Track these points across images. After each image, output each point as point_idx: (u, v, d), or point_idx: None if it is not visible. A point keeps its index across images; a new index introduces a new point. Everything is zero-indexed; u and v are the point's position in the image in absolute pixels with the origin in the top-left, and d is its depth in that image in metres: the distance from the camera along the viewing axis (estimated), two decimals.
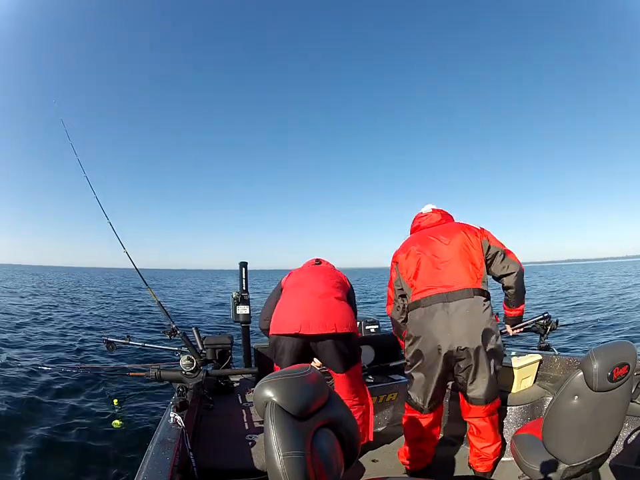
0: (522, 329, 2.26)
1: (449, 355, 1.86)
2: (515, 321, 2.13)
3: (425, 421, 2.00)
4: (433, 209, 2.19)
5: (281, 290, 2.27)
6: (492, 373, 1.90)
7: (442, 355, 1.86)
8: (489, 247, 1.97)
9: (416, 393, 2.00)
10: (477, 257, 1.94)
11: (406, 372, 2.09)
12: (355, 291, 2.37)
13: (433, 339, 1.87)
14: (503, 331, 2.16)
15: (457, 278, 1.90)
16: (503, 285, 2.01)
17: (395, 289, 2.10)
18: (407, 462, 2.10)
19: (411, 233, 2.24)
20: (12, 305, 13.31)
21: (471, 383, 1.92)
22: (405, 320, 2.07)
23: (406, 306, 2.06)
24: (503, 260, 1.97)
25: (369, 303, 16.95)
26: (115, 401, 3.48)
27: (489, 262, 1.98)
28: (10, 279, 34.61)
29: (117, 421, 3.49)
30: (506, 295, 2.05)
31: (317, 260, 2.42)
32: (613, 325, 9.07)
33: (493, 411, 1.97)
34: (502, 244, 2.01)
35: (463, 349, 1.83)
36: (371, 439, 2.22)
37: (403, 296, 2.06)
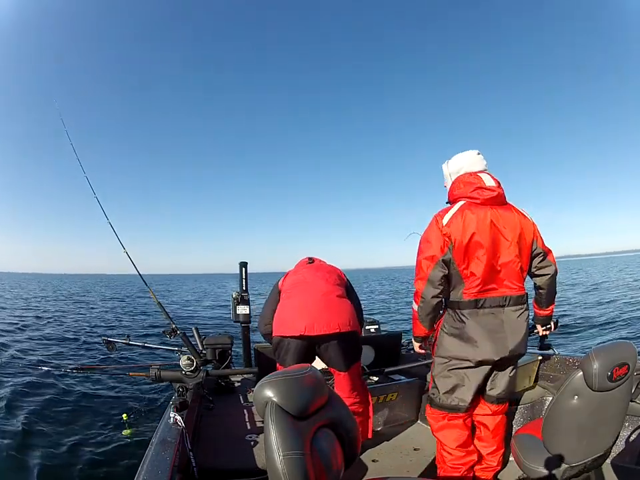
0: (553, 329, 2.12)
1: (499, 361, 1.80)
2: (545, 321, 2.05)
3: (465, 417, 1.90)
4: (496, 182, 1.84)
5: (279, 292, 2.24)
6: (514, 374, 1.91)
7: (495, 361, 1.78)
8: (536, 248, 1.87)
9: (457, 394, 1.85)
10: (527, 261, 1.85)
11: (440, 370, 1.90)
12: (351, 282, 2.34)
13: (489, 346, 1.75)
14: (532, 332, 2.12)
15: (513, 282, 1.80)
16: (536, 284, 1.94)
17: (438, 263, 1.75)
18: (456, 470, 1.91)
19: (458, 196, 1.86)
20: (13, 307, 13.32)
21: (492, 381, 1.90)
22: (440, 303, 1.82)
23: (440, 293, 1.77)
24: (541, 261, 1.88)
25: (371, 304, 16.96)
26: (125, 415, 3.52)
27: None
28: (16, 287, 34.66)
29: (127, 431, 3.50)
30: (537, 294, 1.96)
31: (310, 259, 2.36)
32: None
33: (503, 410, 1.95)
34: (544, 243, 1.90)
35: (512, 357, 1.81)
36: (370, 437, 2.21)
37: (445, 277, 1.77)
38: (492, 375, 1.90)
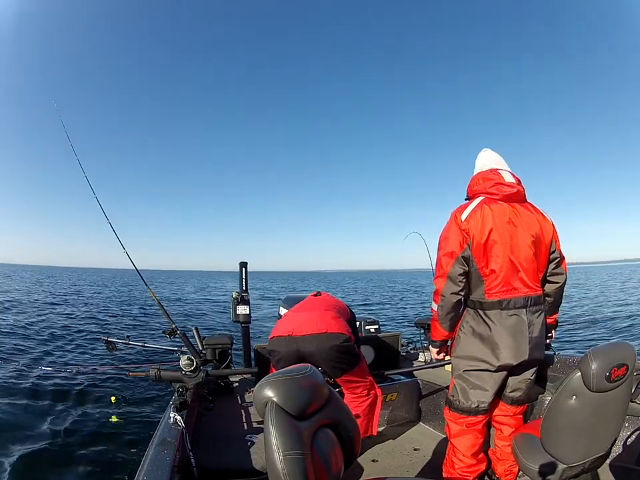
0: (552, 338, 2.08)
1: (522, 364, 1.76)
2: (548, 329, 1.97)
3: (483, 420, 1.86)
4: (516, 180, 1.83)
5: None
6: (534, 377, 1.88)
7: (517, 364, 1.74)
8: (554, 251, 1.83)
9: (476, 396, 1.80)
10: (544, 262, 1.81)
11: (458, 371, 1.86)
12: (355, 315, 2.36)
13: (511, 351, 1.71)
14: None
15: (534, 282, 1.77)
16: (544, 290, 1.86)
17: (458, 260, 1.71)
18: (464, 478, 1.85)
19: (477, 192, 1.84)
20: (11, 304, 13.31)
21: (512, 383, 1.87)
22: (460, 302, 1.78)
23: (461, 291, 1.74)
24: (555, 267, 1.84)
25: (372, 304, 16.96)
26: (113, 398, 3.47)
27: None
28: (12, 277, 34.68)
29: (115, 417, 3.47)
30: (543, 302, 1.88)
31: (317, 292, 2.42)
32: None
33: (522, 412, 1.91)
34: (560, 247, 1.86)
35: (533, 360, 1.77)
36: (374, 434, 2.20)
37: (465, 273, 1.74)
38: (512, 377, 1.85)
